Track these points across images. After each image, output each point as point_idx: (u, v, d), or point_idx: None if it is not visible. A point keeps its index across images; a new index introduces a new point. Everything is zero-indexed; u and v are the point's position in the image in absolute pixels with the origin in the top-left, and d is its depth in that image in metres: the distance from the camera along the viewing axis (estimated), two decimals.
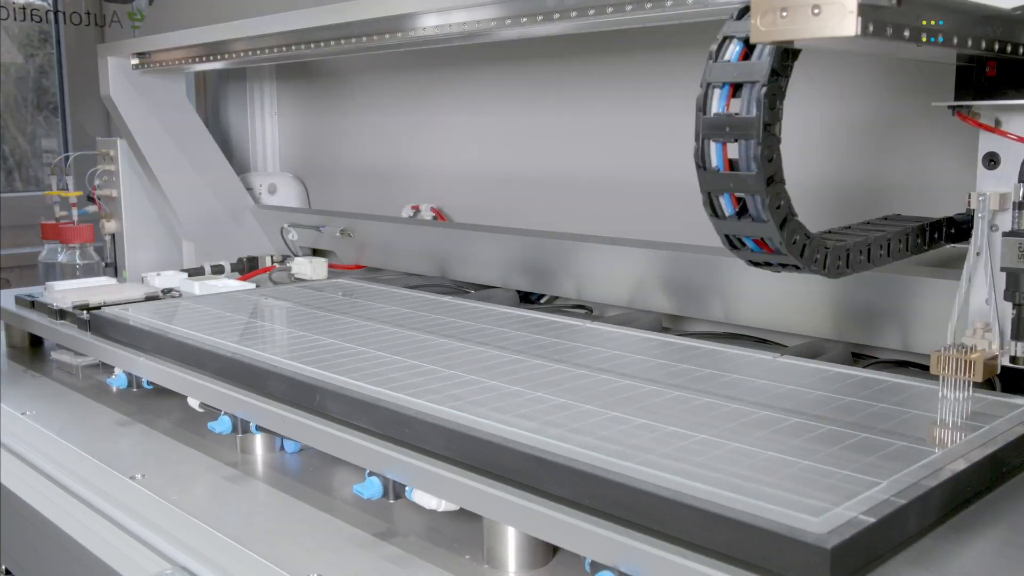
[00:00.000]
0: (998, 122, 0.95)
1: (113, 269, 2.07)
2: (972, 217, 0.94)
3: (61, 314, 1.54)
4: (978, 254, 0.94)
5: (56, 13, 2.99)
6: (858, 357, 1.27)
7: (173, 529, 0.92)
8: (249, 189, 2.37)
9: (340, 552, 0.86)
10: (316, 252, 2.17)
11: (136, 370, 1.30)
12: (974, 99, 0.93)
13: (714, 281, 1.40)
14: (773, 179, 0.76)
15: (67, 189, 2.08)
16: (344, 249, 2.09)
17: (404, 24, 1.49)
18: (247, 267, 2.02)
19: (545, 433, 0.84)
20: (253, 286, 1.76)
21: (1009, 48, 0.84)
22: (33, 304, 1.62)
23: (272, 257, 2.10)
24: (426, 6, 1.41)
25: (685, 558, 0.67)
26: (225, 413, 1.12)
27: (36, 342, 1.69)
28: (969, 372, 0.85)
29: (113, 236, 2.06)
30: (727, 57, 0.75)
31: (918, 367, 1.21)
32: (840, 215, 1.37)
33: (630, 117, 1.73)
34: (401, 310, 1.43)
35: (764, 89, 0.73)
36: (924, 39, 0.72)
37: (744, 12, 0.75)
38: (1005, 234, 0.92)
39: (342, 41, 1.62)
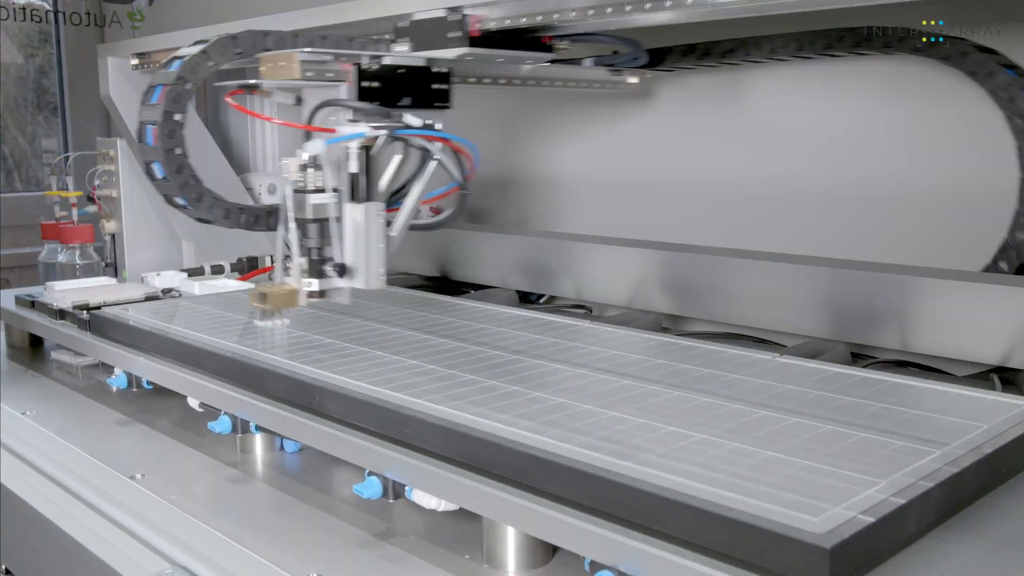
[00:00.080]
0: None
1: (113, 269, 2.07)
2: None
3: (61, 314, 1.53)
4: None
5: (56, 13, 2.99)
6: (857, 357, 1.27)
7: (173, 529, 0.92)
8: (249, 189, 2.36)
9: (340, 552, 0.86)
10: None
11: (136, 370, 1.30)
12: None
13: (713, 281, 1.40)
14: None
15: (67, 189, 2.08)
16: None
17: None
18: (247, 267, 2.01)
19: (544, 433, 0.84)
20: (253, 286, 1.75)
21: None
22: (33, 304, 1.62)
23: (272, 257, 2.09)
24: (426, 5, 1.41)
25: (684, 558, 0.67)
26: (225, 413, 1.12)
27: (36, 342, 1.69)
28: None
29: (113, 236, 2.05)
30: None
31: (918, 367, 1.22)
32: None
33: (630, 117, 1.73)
34: (401, 310, 1.43)
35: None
36: None
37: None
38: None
39: None
